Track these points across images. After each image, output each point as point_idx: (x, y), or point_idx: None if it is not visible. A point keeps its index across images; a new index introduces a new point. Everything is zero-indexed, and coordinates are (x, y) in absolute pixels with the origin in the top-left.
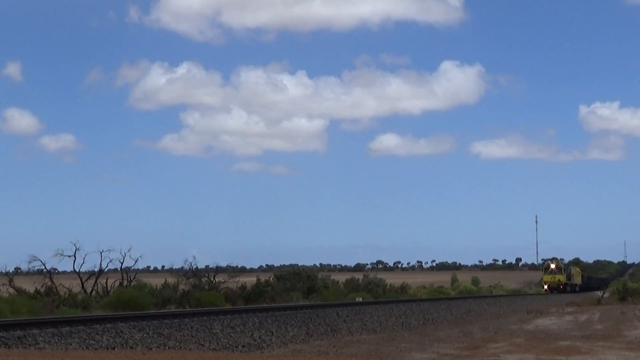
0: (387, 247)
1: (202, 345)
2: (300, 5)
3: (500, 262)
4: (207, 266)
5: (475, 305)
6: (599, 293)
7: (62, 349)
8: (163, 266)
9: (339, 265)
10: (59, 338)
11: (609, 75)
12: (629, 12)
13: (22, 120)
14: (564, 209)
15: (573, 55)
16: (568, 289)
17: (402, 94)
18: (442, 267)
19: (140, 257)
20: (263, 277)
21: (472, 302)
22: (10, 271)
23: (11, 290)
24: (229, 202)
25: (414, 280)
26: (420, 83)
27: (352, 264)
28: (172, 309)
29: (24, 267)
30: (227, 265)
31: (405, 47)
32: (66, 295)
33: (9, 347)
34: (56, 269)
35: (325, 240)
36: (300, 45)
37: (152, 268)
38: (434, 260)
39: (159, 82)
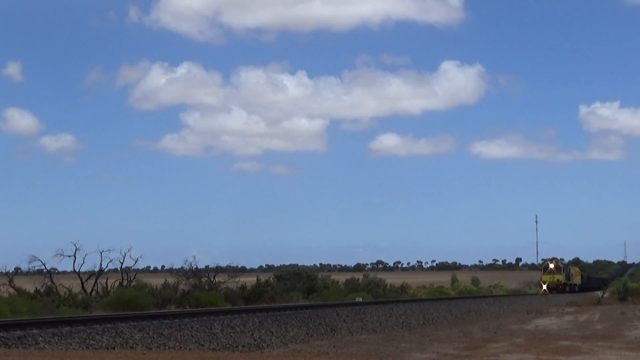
0: (387, 247)
1: (202, 345)
2: (300, 5)
3: (500, 262)
4: (207, 266)
5: (475, 305)
6: (599, 293)
7: (62, 349)
8: (163, 266)
9: (339, 265)
10: (59, 338)
11: (609, 75)
12: (629, 12)
13: (22, 120)
14: (564, 209)
15: (573, 55)
16: (567, 289)
17: (402, 94)
18: (442, 267)
19: (140, 257)
20: (263, 277)
21: (472, 302)
22: (10, 271)
23: (11, 290)
24: (229, 202)
25: (414, 280)
26: (421, 83)
27: (352, 264)
28: (172, 309)
29: (24, 267)
30: (227, 265)
31: (406, 47)
32: (66, 295)
33: (9, 347)
34: (56, 269)
35: (325, 240)
36: (300, 45)
37: (152, 268)
38: (434, 260)
39: (159, 82)
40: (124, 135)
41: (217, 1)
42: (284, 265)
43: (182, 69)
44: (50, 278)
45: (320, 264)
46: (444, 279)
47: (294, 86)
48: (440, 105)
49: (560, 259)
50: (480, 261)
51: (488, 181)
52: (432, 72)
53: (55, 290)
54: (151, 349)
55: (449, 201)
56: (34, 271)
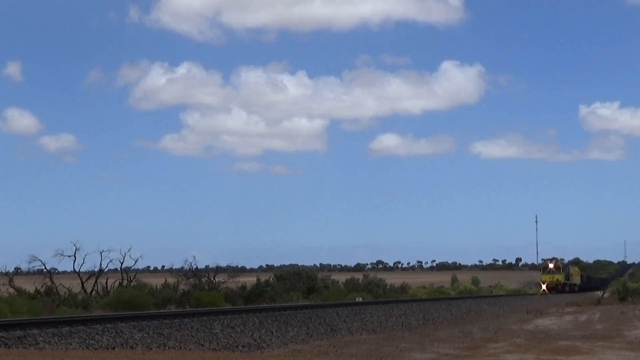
0: (387, 247)
1: (202, 345)
2: (300, 5)
3: (500, 262)
4: (207, 266)
5: (475, 305)
6: (598, 293)
7: (62, 349)
8: (163, 266)
9: (339, 265)
10: (59, 338)
11: (609, 75)
12: (629, 12)
13: (22, 120)
14: (564, 209)
15: (573, 55)
16: (567, 289)
17: (402, 94)
18: (442, 267)
19: (140, 257)
20: (263, 277)
21: (472, 302)
22: (10, 271)
23: (11, 290)
24: (229, 202)
25: (414, 280)
26: (421, 83)
27: (352, 264)
28: (172, 309)
29: (24, 267)
30: (227, 265)
31: (406, 47)
32: (66, 295)
33: (9, 347)
34: (56, 269)
35: (325, 240)
36: (300, 45)
37: (152, 268)
38: (434, 260)
39: (159, 82)
40: (124, 135)
41: (217, 1)
42: (284, 265)
43: (182, 69)
44: (50, 278)
45: (320, 264)
46: (444, 279)
47: (294, 86)
48: (440, 105)
49: (560, 259)
50: (480, 261)
51: (488, 181)
52: (432, 72)
53: (55, 290)
54: (151, 349)
55: (449, 201)
56: (34, 271)
